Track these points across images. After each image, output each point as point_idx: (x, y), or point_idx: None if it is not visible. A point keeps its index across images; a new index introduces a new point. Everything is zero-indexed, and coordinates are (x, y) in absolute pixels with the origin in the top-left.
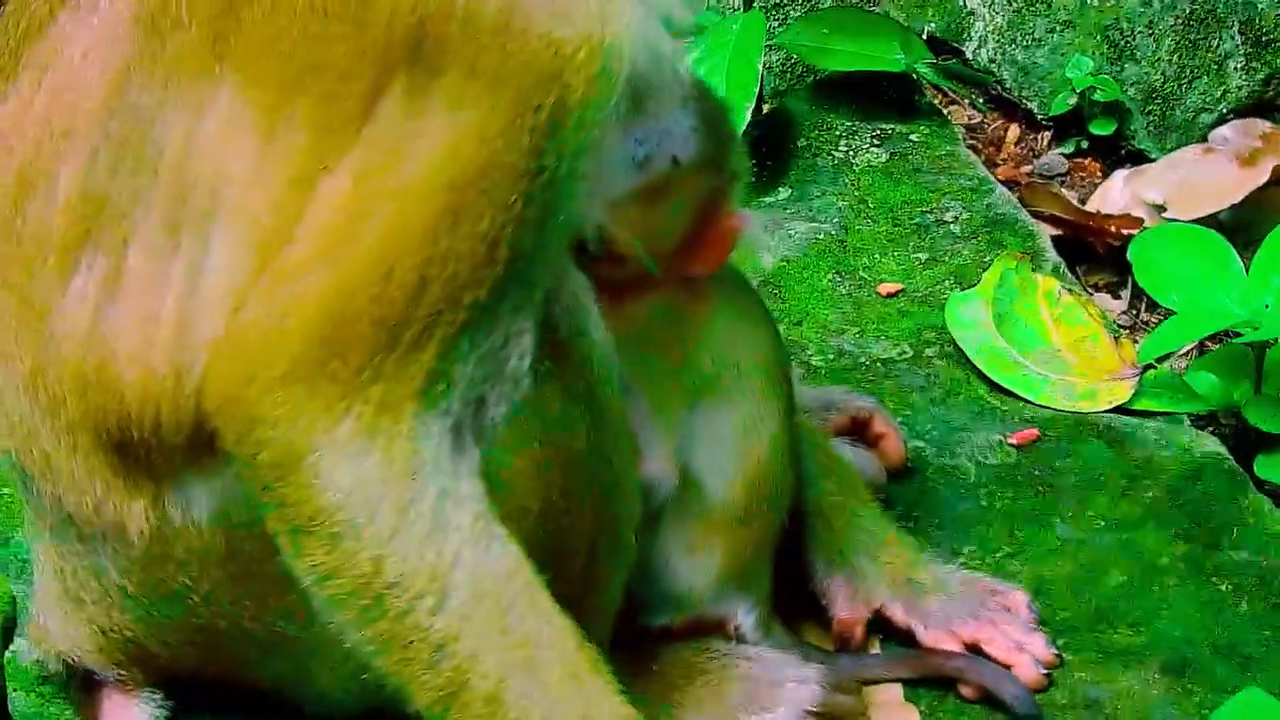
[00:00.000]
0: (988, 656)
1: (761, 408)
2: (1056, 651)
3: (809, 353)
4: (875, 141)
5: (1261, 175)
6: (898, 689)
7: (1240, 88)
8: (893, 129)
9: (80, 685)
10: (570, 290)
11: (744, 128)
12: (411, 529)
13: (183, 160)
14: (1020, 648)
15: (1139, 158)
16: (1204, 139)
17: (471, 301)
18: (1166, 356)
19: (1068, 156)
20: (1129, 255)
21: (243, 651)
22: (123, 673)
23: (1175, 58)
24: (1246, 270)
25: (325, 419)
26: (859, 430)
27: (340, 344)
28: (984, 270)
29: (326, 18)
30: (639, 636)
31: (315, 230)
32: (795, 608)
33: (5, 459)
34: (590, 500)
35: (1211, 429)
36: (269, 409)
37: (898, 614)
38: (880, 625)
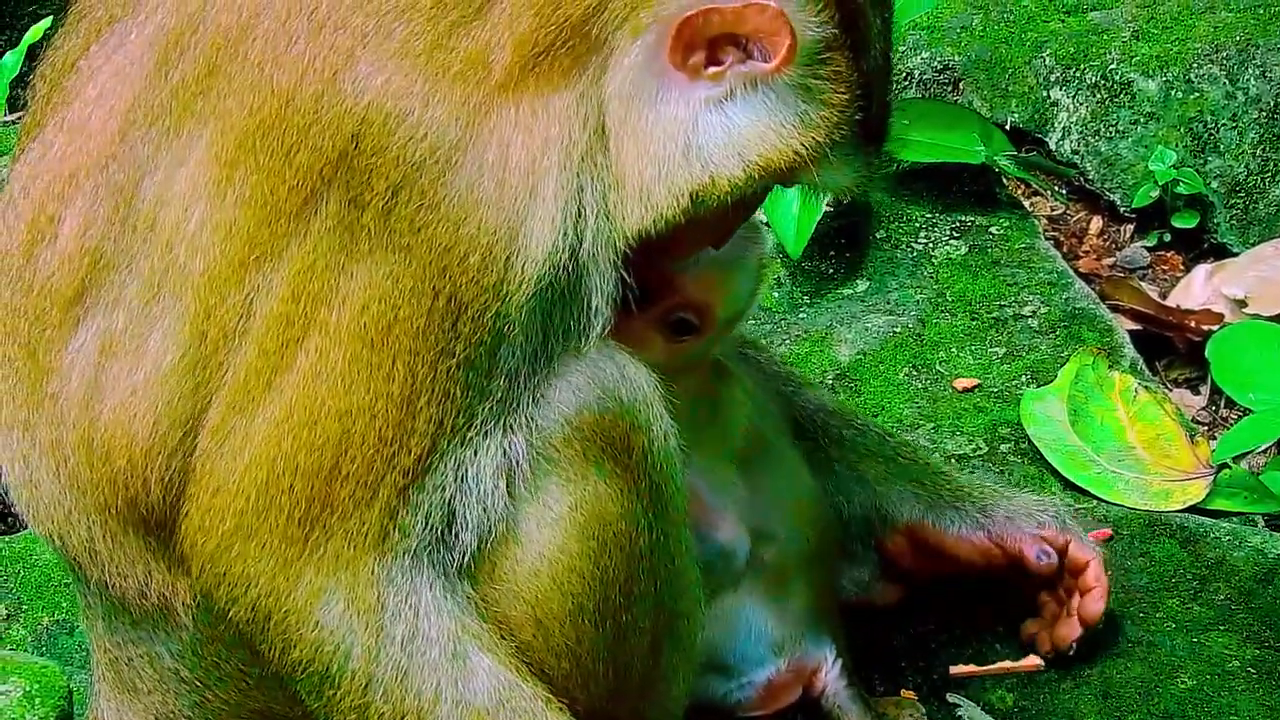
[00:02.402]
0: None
1: (790, 457)
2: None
3: None
4: (954, 234)
5: None
6: None
7: None
8: (972, 221)
9: None
10: (631, 386)
11: (821, 218)
12: (386, 674)
13: (155, 212)
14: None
15: (1221, 251)
16: None
17: (406, 465)
18: (1243, 455)
19: (1150, 249)
20: (1207, 353)
21: None
22: None
23: (1259, 150)
24: None
25: (283, 577)
26: None
27: (278, 498)
28: (1061, 365)
29: (292, 100)
30: None
31: (251, 354)
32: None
33: (55, 548)
34: (652, 597)
35: None
36: (227, 565)
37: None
38: None
